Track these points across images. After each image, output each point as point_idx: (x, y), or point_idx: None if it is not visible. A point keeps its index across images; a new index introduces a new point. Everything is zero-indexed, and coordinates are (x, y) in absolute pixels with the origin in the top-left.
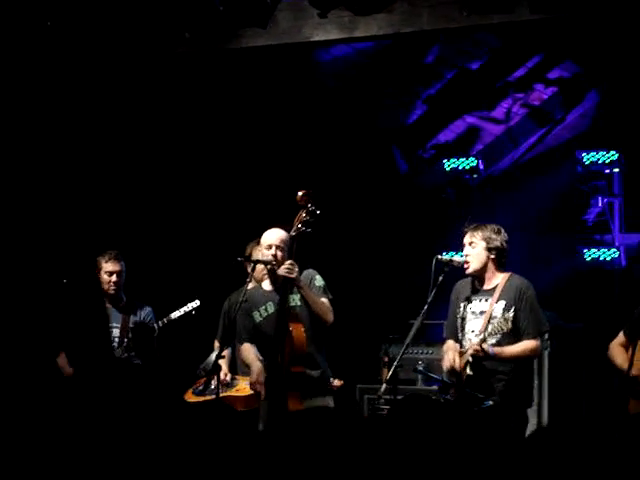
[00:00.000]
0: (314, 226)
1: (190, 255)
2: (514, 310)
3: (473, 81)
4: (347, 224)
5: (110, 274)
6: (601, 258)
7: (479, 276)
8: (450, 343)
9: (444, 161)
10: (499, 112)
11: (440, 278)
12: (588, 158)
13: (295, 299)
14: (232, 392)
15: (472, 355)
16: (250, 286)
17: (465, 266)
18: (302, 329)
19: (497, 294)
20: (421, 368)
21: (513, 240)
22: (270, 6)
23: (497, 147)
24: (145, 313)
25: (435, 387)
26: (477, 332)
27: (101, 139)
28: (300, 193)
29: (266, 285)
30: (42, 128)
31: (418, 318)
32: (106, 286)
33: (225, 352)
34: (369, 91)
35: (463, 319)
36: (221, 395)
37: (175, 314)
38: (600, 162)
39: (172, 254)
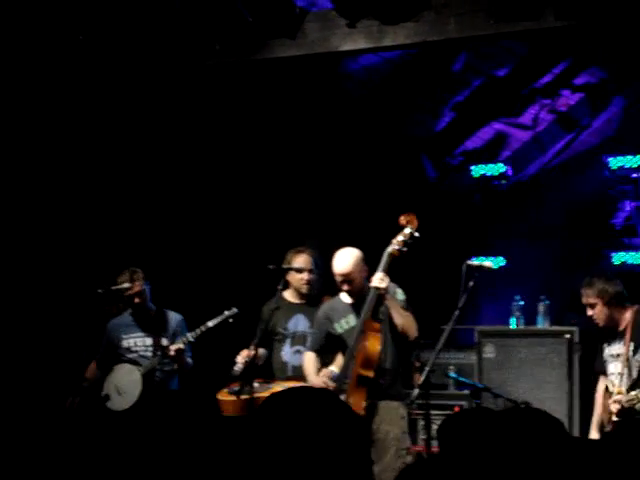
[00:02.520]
0: (410, 248)
1: (224, 263)
2: None
3: (500, 88)
4: (376, 231)
5: (133, 295)
6: (629, 261)
7: (612, 325)
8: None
9: (472, 167)
10: (526, 118)
11: (471, 283)
12: (615, 163)
13: (380, 313)
14: (266, 393)
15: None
16: (286, 294)
17: (596, 323)
18: (378, 342)
19: (628, 335)
20: (452, 373)
21: (541, 245)
22: (299, 17)
23: (525, 153)
24: (176, 322)
25: (466, 391)
26: (617, 375)
27: (134, 151)
28: (404, 215)
29: (346, 298)
30: (70, 140)
31: (449, 323)
32: (130, 300)
33: (260, 354)
34: (397, 99)
35: (605, 361)
36: (256, 395)
37: (212, 322)
38: (627, 166)
39: (207, 262)
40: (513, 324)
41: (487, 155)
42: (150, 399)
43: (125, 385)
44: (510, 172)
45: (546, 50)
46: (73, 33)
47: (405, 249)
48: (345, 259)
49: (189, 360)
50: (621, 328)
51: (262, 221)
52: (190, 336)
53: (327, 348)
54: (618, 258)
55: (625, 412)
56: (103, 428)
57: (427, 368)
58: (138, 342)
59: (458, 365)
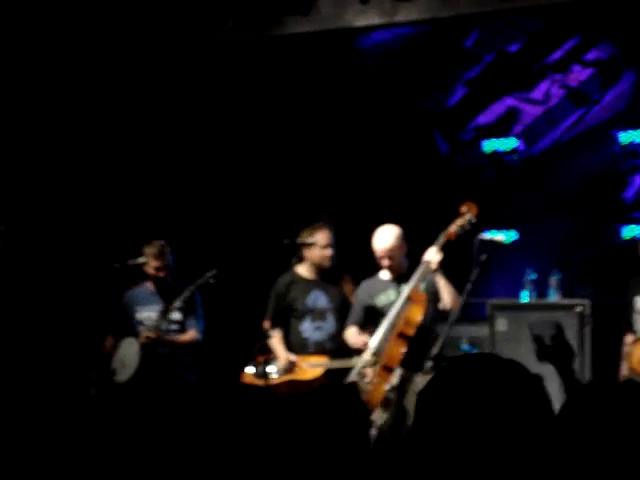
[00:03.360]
0: (466, 233)
1: (237, 236)
2: None
3: (512, 63)
4: (390, 206)
5: (158, 269)
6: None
7: None
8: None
9: (484, 142)
10: (538, 93)
11: (483, 257)
12: (625, 137)
13: (421, 286)
14: (294, 376)
15: None
16: (300, 269)
17: None
18: (421, 313)
19: None
20: (465, 345)
21: (552, 219)
22: None
23: (536, 128)
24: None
25: None
26: None
27: (148, 126)
28: (466, 203)
29: (385, 275)
30: (80, 117)
31: (462, 296)
32: (153, 272)
33: (277, 333)
34: (410, 75)
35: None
36: (282, 379)
37: (193, 286)
38: (637, 141)
39: (219, 236)
40: (525, 297)
41: (499, 130)
42: (154, 373)
43: (127, 357)
44: (522, 147)
45: (557, 26)
46: (88, 9)
47: (461, 232)
48: (387, 235)
49: (194, 333)
50: None
51: (276, 195)
52: (177, 303)
53: (366, 322)
54: (628, 231)
55: None
56: (110, 403)
57: (440, 341)
58: (152, 315)
59: (470, 338)
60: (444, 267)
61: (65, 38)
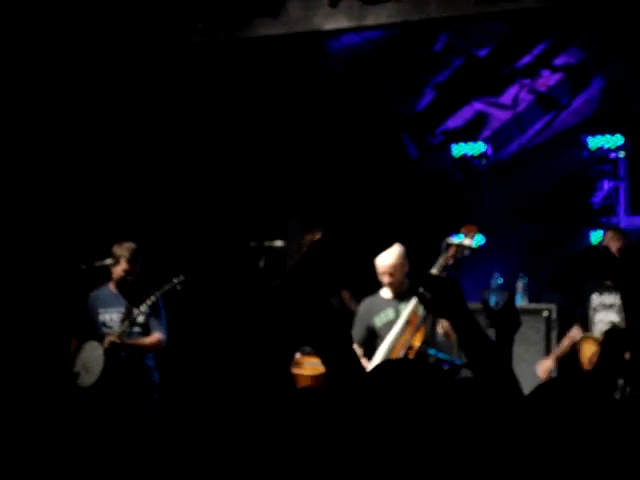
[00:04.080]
0: (466, 256)
1: (204, 239)
2: None
3: (481, 68)
4: (358, 210)
5: (128, 273)
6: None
7: None
8: None
9: (452, 146)
10: (506, 98)
11: (451, 262)
12: (594, 143)
13: (420, 309)
14: (299, 370)
15: None
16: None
17: None
18: (421, 336)
19: None
20: (431, 349)
21: (520, 224)
22: None
23: (505, 132)
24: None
25: (445, 367)
26: (607, 323)
27: (117, 131)
28: (465, 226)
29: (385, 293)
30: (54, 122)
31: None
32: (121, 275)
33: None
34: (379, 79)
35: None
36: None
37: (160, 292)
38: (605, 147)
39: (187, 238)
40: (492, 301)
41: (468, 134)
42: (119, 376)
43: (91, 361)
44: (490, 151)
45: (526, 31)
46: (58, 11)
47: (460, 256)
48: (389, 253)
49: (159, 335)
50: None
51: (244, 199)
52: (143, 308)
53: (368, 341)
54: (596, 236)
55: None
56: (73, 405)
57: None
58: (114, 317)
59: (437, 341)
60: (411, 267)
61: (36, 42)
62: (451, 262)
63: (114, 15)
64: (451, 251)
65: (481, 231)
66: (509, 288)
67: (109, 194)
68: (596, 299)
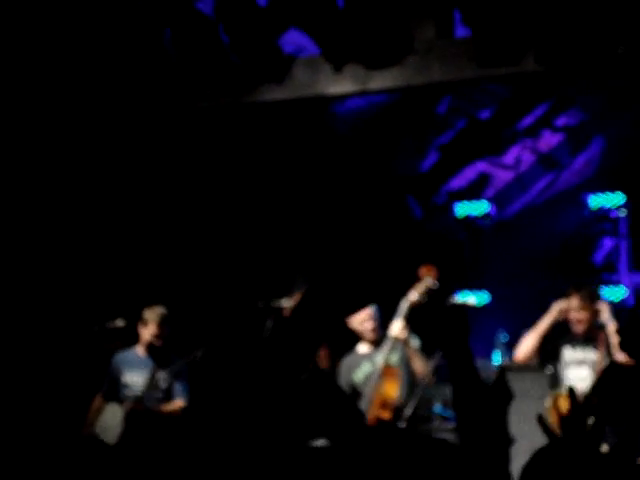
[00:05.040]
0: (430, 300)
1: (209, 298)
2: None
3: (483, 129)
4: (364, 270)
5: (156, 337)
6: (609, 297)
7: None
8: None
9: (456, 206)
10: (509, 158)
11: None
12: (595, 202)
13: (393, 358)
14: None
15: None
16: None
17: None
18: (396, 387)
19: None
20: (438, 407)
21: (524, 281)
22: (286, 62)
23: (507, 192)
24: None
25: (451, 425)
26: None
27: (124, 191)
28: (424, 267)
29: (361, 348)
30: (62, 182)
31: (434, 358)
32: (149, 339)
33: None
34: (383, 141)
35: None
36: None
37: (179, 364)
38: (606, 206)
39: (195, 295)
40: (497, 358)
41: (471, 194)
42: (138, 437)
43: (110, 425)
44: (493, 211)
45: (527, 92)
46: (71, 75)
47: (424, 299)
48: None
49: (181, 402)
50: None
51: (251, 259)
52: (167, 373)
53: (352, 397)
54: None
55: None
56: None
57: (414, 402)
58: (138, 380)
59: (443, 399)
60: (418, 331)
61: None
62: (417, 299)
63: (121, 76)
64: (412, 296)
65: (485, 289)
66: (514, 344)
67: (118, 257)
68: (568, 354)
